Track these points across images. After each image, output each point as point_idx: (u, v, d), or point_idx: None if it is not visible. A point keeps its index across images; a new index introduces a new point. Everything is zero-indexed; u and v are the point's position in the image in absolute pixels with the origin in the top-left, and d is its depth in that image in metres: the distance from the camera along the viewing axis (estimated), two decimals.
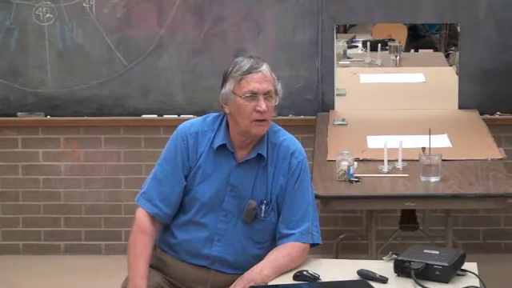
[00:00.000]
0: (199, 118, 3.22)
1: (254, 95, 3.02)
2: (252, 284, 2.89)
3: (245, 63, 3.05)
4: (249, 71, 3.03)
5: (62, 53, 5.20)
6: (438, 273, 2.78)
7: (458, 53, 5.32)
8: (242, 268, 3.03)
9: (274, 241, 3.13)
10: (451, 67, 6.16)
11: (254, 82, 3.02)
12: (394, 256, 2.92)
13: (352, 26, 7.37)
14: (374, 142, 4.36)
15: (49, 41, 5.19)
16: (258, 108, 3.01)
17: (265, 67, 3.05)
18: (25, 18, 5.17)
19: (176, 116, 5.19)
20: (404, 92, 5.57)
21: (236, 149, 3.12)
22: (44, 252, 5.38)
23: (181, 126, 3.18)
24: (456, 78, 5.24)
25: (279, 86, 3.10)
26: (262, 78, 3.03)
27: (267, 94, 3.03)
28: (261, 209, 3.10)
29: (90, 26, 5.16)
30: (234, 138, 3.11)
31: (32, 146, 5.33)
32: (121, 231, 5.32)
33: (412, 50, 7.22)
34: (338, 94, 5.27)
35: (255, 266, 2.98)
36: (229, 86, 3.06)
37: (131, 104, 5.25)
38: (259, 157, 3.10)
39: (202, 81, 5.17)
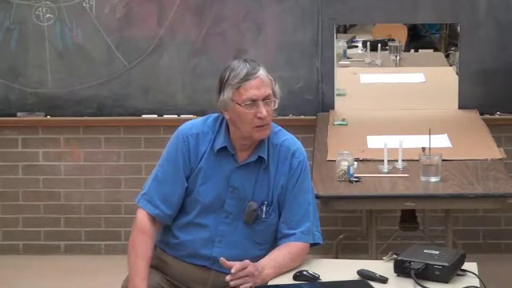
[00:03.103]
0: (200, 118, 3.21)
1: (253, 102, 3.01)
2: (251, 268, 2.88)
3: (241, 69, 3.02)
4: (246, 78, 3.00)
5: (62, 53, 5.20)
6: (438, 273, 2.78)
7: (458, 53, 5.32)
8: None
9: (274, 242, 3.12)
10: (451, 67, 6.16)
11: (253, 89, 3.01)
12: (394, 256, 2.92)
13: (352, 25, 7.36)
14: (374, 141, 4.36)
15: (49, 41, 5.19)
16: (259, 115, 3.00)
17: (261, 71, 3.03)
18: (25, 17, 5.17)
19: (176, 116, 5.20)
20: (404, 92, 5.57)
21: (237, 151, 3.11)
22: (44, 252, 5.38)
23: (181, 127, 3.18)
24: (456, 77, 5.24)
25: (277, 87, 3.08)
26: (260, 83, 3.01)
27: (266, 99, 3.02)
28: (262, 210, 3.10)
29: (90, 26, 5.17)
30: (235, 141, 3.10)
31: (32, 146, 5.33)
32: (121, 231, 5.32)
33: (412, 50, 7.21)
34: (338, 94, 5.27)
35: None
36: (227, 94, 3.03)
37: (131, 104, 5.25)
38: (260, 159, 3.10)
39: (202, 81, 5.17)
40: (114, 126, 5.29)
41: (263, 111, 3.00)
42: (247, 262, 2.90)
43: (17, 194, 5.37)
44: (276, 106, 3.06)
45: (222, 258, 2.92)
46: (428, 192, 3.80)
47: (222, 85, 3.05)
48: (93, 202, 5.37)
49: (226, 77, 3.04)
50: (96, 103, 5.25)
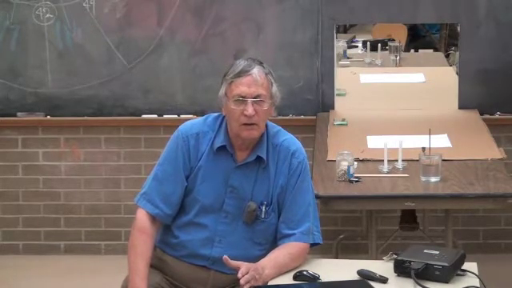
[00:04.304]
0: (200, 118, 3.22)
1: (242, 99, 3.01)
2: (253, 272, 2.88)
3: (238, 66, 3.04)
4: (239, 74, 3.02)
5: (62, 53, 5.20)
6: (438, 273, 2.78)
7: (458, 53, 5.32)
8: None
9: (274, 242, 3.13)
10: (451, 67, 6.16)
11: (243, 86, 3.01)
12: (394, 256, 2.92)
13: (352, 25, 7.37)
14: (374, 141, 4.36)
15: (49, 41, 5.19)
16: (245, 112, 3.00)
17: (256, 70, 3.03)
18: (25, 17, 5.17)
19: (176, 116, 5.20)
20: (404, 92, 5.57)
21: (236, 150, 3.11)
22: (44, 252, 5.38)
23: (182, 127, 3.18)
24: (456, 77, 5.24)
25: (274, 89, 3.08)
26: (252, 81, 3.02)
27: (257, 98, 3.02)
28: (261, 210, 3.10)
29: (90, 26, 5.17)
30: (233, 140, 3.11)
31: (32, 146, 5.33)
32: (121, 231, 5.32)
33: (412, 50, 7.22)
34: (338, 94, 5.27)
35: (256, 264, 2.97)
36: (222, 89, 3.07)
37: (131, 104, 5.25)
38: (259, 159, 3.10)
39: (202, 81, 5.17)
40: (113, 126, 5.29)
41: (249, 109, 3.00)
42: (249, 265, 2.90)
43: (17, 194, 5.37)
44: (267, 108, 3.03)
45: (225, 257, 2.92)
46: (428, 192, 3.80)
47: (222, 80, 3.08)
48: (93, 202, 5.37)
49: (226, 72, 3.07)
50: (96, 103, 5.25)
